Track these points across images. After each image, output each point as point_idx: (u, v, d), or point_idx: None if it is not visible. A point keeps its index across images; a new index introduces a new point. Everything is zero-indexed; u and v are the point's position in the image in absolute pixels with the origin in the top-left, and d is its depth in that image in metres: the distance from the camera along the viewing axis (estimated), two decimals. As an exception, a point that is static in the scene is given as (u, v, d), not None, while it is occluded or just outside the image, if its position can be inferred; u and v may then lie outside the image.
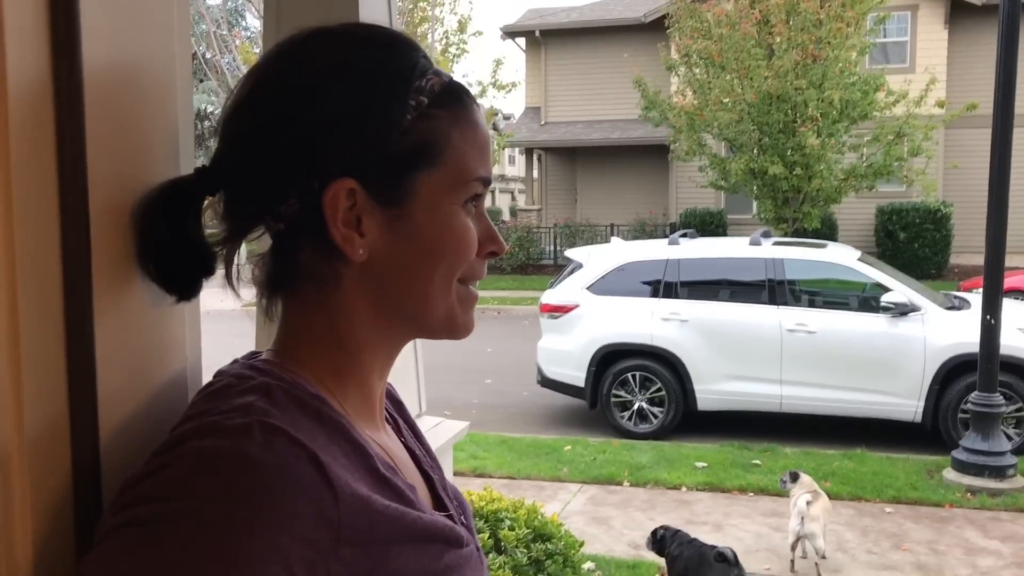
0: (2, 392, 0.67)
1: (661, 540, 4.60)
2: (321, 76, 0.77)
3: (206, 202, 0.79)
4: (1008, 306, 6.85)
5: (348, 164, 0.76)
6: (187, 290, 0.80)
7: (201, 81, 21.82)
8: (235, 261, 0.80)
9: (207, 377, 0.83)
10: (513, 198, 45.83)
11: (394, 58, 0.79)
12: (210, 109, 26.95)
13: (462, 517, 0.90)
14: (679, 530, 4.67)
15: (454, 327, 0.83)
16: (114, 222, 0.76)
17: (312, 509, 0.65)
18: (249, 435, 0.66)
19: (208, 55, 16.62)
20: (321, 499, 0.66)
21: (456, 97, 0.80)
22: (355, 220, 0.77)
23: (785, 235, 15.01)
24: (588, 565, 4.58)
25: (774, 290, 8.13)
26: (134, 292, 0.78)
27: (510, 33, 24.79)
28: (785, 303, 8.07)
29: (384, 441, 0.84)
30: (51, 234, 0.71)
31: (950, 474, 6.55)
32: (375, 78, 0.77)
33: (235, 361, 0.82)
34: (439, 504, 0.89)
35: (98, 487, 0.74)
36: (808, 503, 4.95)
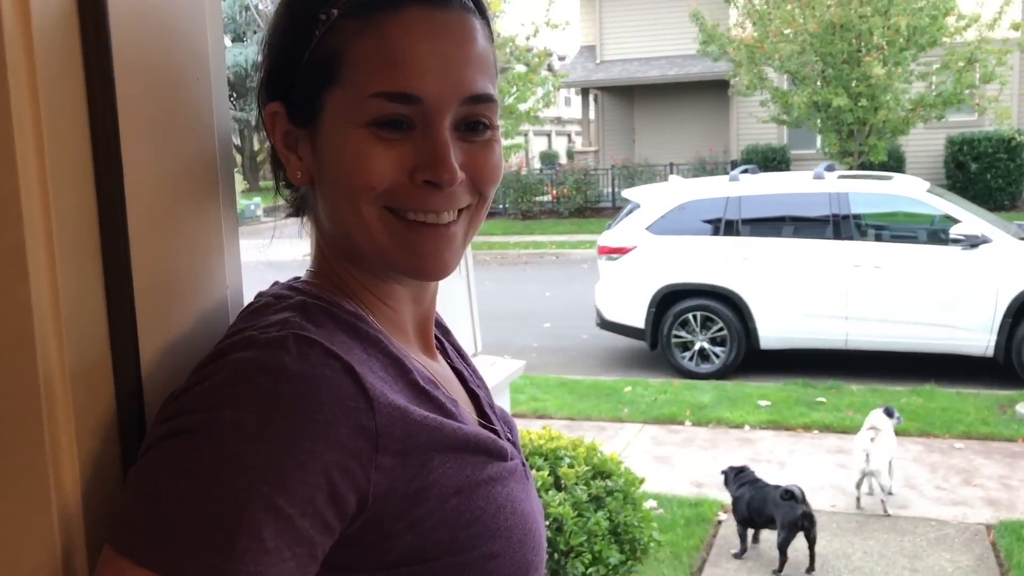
0: (42, 323, 0.66)
1: (726, 479, 4.59)
2: (277, 6, 0.80)
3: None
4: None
5: (273, 87, 0.79)
6: None
7: (255, 33, 21.91)
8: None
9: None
10: (570, 140, 45.43)
11: None
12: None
13: (508, 435, 0.89)
14: (744, 467, 4.65)
15: (391, 262, 0.77)
16: (146, 147, 0.75)
17: (349, 418, 0.66)
18: (285, 346, 0.67)
19: (261, 6, 16.64)
20: (357, 408, 0.66)
21: (375, 4, 0.73)
22: (294, 142, 0.78)
23: (850, 169, 14.62)
24: (650, 503, 4.59)
25: (839, 225, 7.94)
26: (170, 220, 0.77)
27: (563, -29, 24.34)
28: (850, 238, 7.88)
29: (425, 360, 0.83)
30: (83, 161, 0.70)
31: (1023, 408, 6.38)
32: (290, 7, 0.78)
33: (275, 283, 0.83)
34: (485, 421, 0.88)
35: (141, 411, 0.75)
36: (872, 440, 4.87)
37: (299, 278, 0.84)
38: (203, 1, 0.81)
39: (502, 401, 2.88)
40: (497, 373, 2.69)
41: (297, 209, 0.85)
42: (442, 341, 0.94)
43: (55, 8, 0.68)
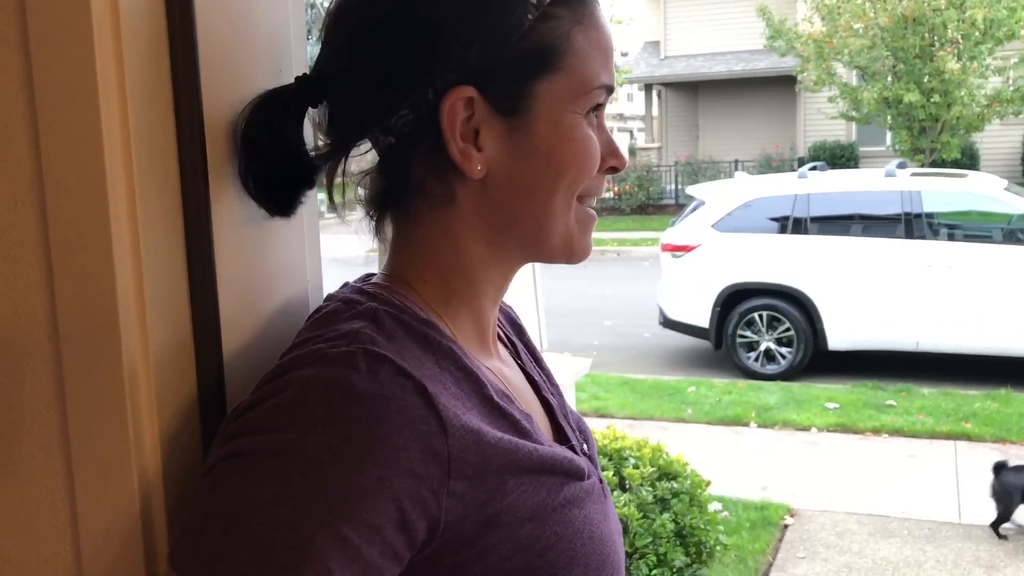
0: (127, 312, 0.67)
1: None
2: None
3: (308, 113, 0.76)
4: None
5: (466, 70, 0.71)
6: (285, 205, 0.76)
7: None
8: (338, 176, 0.77)
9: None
10: (632, 136, 45.15)
11: None
12: None
13: (584, 446, 0.85)
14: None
15: (572, 250, 0.77)
16: (229, 140, 0.74)
17: (420, 442, 0.62)
18: (353, 364, 0.63)
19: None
20: (429, 431, 0.63)
21: None
22: (472, 132, 0.72)
23: (922, 166, 14.26)
24: (714, 505, 4.52)
25: (911, 224, 7.74)
26: (253, 212, 0.77)
27: (627, -33, 24.16)
28: (923, 237, 7.67)
29: (498, 367, 0.80)
30: (168, 154, 0.70)
31: (1106, 416, 6.15)
32: None
33: (345, 284, 0.79)
34: (559, 432, 0.84)
35: (223, 400, 0.75)
36: None
37: (371, 276, 0.81)
38: (287, 2, 0.81)
39: (568, 400, 2.86)
40: (563, 371, 2.67)
41: (380, 207, 0.78)
42: (515, 343, 0.91)
43: (144, 9, 0.67)
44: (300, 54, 0.82)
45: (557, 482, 0.72)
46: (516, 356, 0.89)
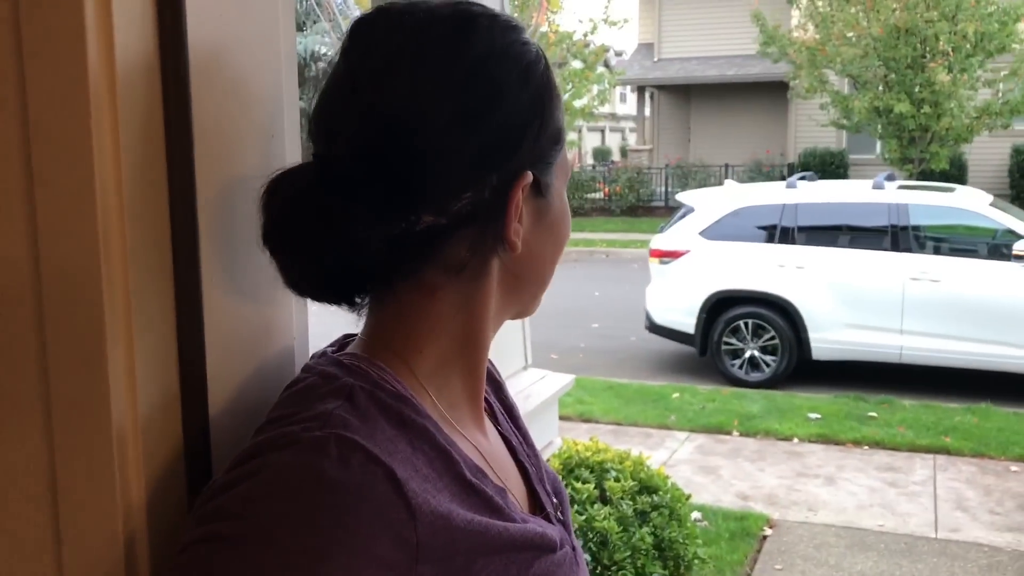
0: (116, 369, 0.68)
1: None
2: (494, 69, 0.72)
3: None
4: None
5: (532, 156, 0.76)
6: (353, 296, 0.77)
7: (315, 23, 22.11)
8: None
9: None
10: (623, 137, 45.18)
11: (529, 43, 0.77)
12: (323, 51, 27.33)
13: (559, 512, 0.86)
14: None
15: (536, 301, 0.86)
16: (221, 199, 0.76)
17: (388, 531, 0.63)
18: (325, 451, 0.64)
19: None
20: (398, 519, 0.64)
21: (551, 72, 0.79)
22: (525, 212, 0.76)
23: (910, 176, 14.35)
24: (695, 515, 4.55)
25: (897, 236, 7.80)
26: (242, 269, 0.79)
27: (623, -33, 24.17)
28: (909, 250, 7.73)
29: (476, 438, 0.80)
30: (160, 214, 0.72)
31: (1083, 433, 6.22)
32: (532, 68, 0.76)
33: (323, 354, 0.80)
34: (534, 500, 0.85)
35: (208, 457, 0.76)
36: None
37: (350, 339, 0.82)
38: (280, 56, 0.82)
39: (551, 415, 2.88)
40: (546, 388, 2.69)
41: (389, 280, 0.74)
42: (492, 403, 0.91)
43: (138, 62, 0.69)
44: (292, 115, 0.84)
45: (528, 557, 0.73)
46: (493, 416, 0.90)
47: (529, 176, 0.74)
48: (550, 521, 0.82)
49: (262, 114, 0.80)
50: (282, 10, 0.82)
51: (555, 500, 0.87)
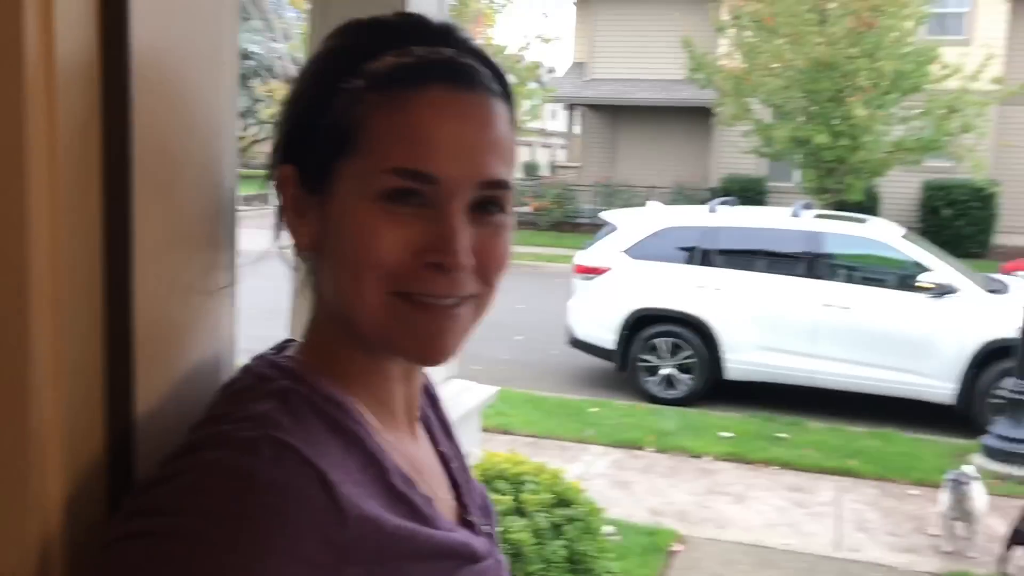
0: (38, 368, 0.67)
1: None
2: (301, 70, 0.80)
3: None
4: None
5: (288, 150, 0.78)
6: None
7: (246, 20, 21.78)
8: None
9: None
10: (553, 153, 45.54)
11: (349, 43, 0.77)
12: (253, 49, 26.93)
13: (485, 524, 0.88)
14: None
15: (392, 347, 0.75)
16: (159, 201, 0.76)
17: (317, 532, 0.64)
18: (257, 450, 0.65)
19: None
20: (327, 522, 0.65)
21: (401, 79, 0.72)
22: (304, 208, 0.77)
23: (826, 206, 14.78)
24: (608, 529, 4.61)
25: (812, 263, 8.05)
26: (175, 271, 0.79)
27: (559, -15, 24.41)
28: (822, 277, 7.99)
29: (406, 447, 0.82)
30: (93, 214, 0.71)
31: (978, 459, 6.49)
32: (317, 65, 0.78)
33: (262, 356, 0.81)
34: (463, 511, 0.87)
35: (131, 458, 0.75)
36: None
37: (289, 343, 0.83)
38: (224, 58, 0.83)
39: (473, 427, 2.89)
40: (470, 399, 2.70)
41: (303, 266, 0.82)
42: (428, 416, 0.92)
43: (78, 62, 0.69)
44: (231, 116, 0.85)
45: (453, 566, 0.75)
46: (428, 429, 0.91)
47: (287, 169, 0.78)
48: (476, 533, 0.84)
49: (204, 116, 0.81)
50: (227, 12, 0.83)
51: (483, 513, 0.89)
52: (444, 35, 0.77)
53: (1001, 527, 5.18)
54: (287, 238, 0.80)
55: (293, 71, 0.80)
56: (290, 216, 0.78)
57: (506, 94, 0.78)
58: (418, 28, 0.76)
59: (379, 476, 0.72)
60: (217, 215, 0.84)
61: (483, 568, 0.79)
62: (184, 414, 0.78)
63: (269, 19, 16.15)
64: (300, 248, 0.79)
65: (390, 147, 0.71)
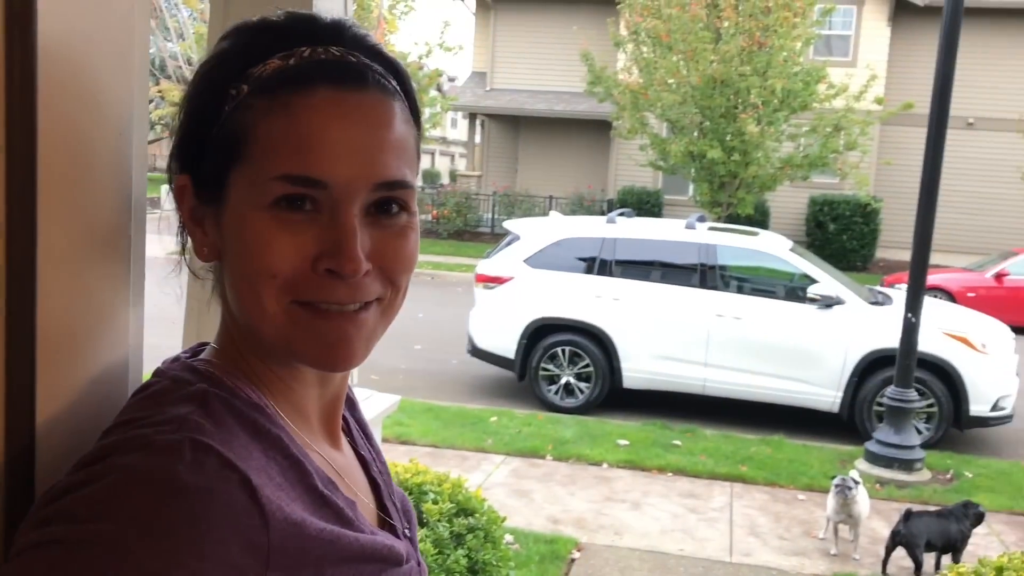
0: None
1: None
2: (191, 78, 0.78)
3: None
4: (927, 305, 7.07)
5: (183, 159, 0.76)
6: None
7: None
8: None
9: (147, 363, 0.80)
10: (453, 162, 45.57)
11: (236, 47, 0.75)
12: (146, 48, 26.11)
13: (406, 528, 0.88)
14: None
15: (292, 351, 0.74)
16: (65, 200, 0.73)
17: (240, 536, 0.63)
18: (178, 454, 0.63)
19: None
20: (250, 525, 0.63)
21: (286, 83, 0.71)
22: (201, 217, 0.76)
23: (719, 219, 15.22)
24: (507, 538, 4.62)
25: (705, 275, 8.27)
26: (81, 274, 0.76)
27: (461, -5, 24.49)
28: (715, 288, 8.21)
29: (327, 451, 0.81)
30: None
31: (862, 465, 6.77)
32: (206, 71, 0.76)
33: (176, 359, 0.79)
34: (384, 514, 0.86)
35: (32, 466, 0.73)
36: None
37: (202, 347, 0.81)
38: (134, 57, 0.80)
39: (375, 435, 2.86)
40: (371, 408, 2.67)
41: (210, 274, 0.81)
42: (347, 419, 0.92)
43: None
44: (141, 116, 0.82)
45: (375, 569, 0.75)
46: (348, 433, 0.90)
47: (182, 179, 0.76)
48: (398, 536, 0.84)
49: (114, 115, 0.78)
50: (138, 8, 0.80)
51: (403, 516, 0.89)
52: (335, 33, 0.75)
53: (883, 529, 5.41)
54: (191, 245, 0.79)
55: (186, 72, 0.77)
56: (189, 226, 0.77)
57: (404, 91, 0.77)
58: (306, 28, 0.74)
59: (301, 479, 0.71)
60: (126, 217, 0.81)
61: (405, 571, 0.79)
62: (91, 421, 0.75)
63: (162, 18, 15.67)
64: (200, 258, 0.77)
65: (278, 153, 0.70)
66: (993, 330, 8.11)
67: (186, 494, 0.62)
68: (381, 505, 0.87)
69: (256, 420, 0.71)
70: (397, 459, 4.10)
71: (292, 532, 0.66)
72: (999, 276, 14.75)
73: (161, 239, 0.85)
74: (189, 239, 0.78)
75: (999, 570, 3.15)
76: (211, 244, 0.75)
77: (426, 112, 18.56)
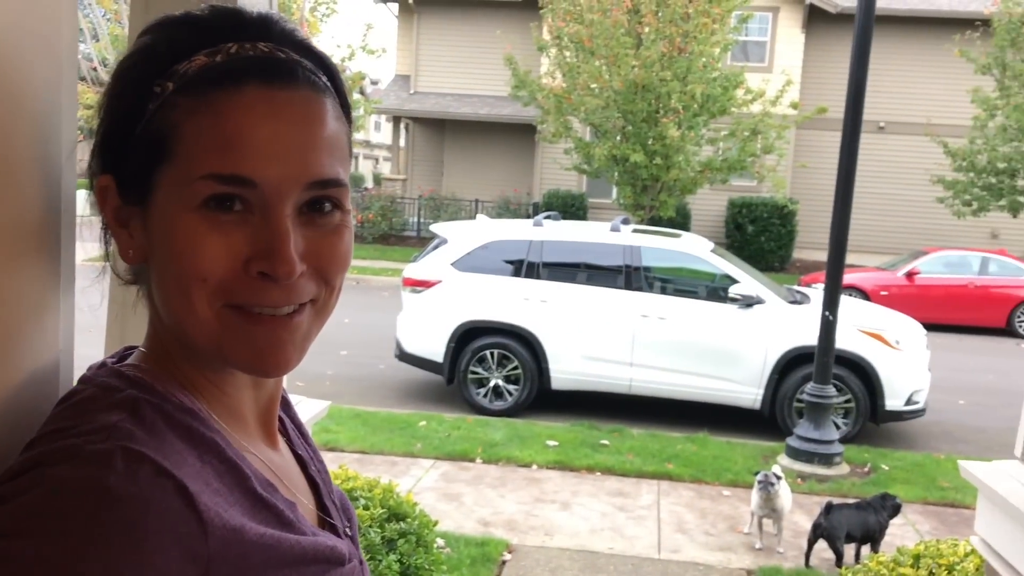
0: None
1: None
2: (112, 74, 0.75)
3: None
4: (843, 303, 7.29)
5: (104, 158, 0.74)
6: None
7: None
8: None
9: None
10: (377, 165, 45.25)
11: (159, 42, 0.73)
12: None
13: (347, 527, 0.87)
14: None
15: (224, 356, 0.72)
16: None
17: (178, 545, 0.61)
18: (110, 463, 0.61)
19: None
20: (188, 533, 0.62)
21: (213, 80, 0.69)
22: (126, 219, 0.74)
23: (642, 222, 15.44)
24: (439, 542, 4.61)
25: (630, 276, 8.37)
26: (5, 277, 0.73)
27: (383, -3, 24.35)
28: (640, 289, 8.32)
29: (264, 452, 0.80)
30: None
31: (784, 460, 6.94)
32: (127, 67, 0.74)
33: (102, 365, 0.76)
34: (324, 512, 0.86)
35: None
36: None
37: (129, 352, 0.79)
38: (61, 51, 0.78)
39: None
40: (301, 414, 2.63)
41: (134, 278, 0.79)
42: (283, 419, 0.90)
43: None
44: (70, 115, 0.80)
45: (319, 571, 0.74)
46: (285, 433, 0.89)
47: (105, 179, 0.74)
48: (339, 535, 0.83)
49: (40, 111, 0.76)
50: (66, 6, 0.78)
51: (343, 515, 0.88)
52: (262, 28, 0.73)
53: (805, 523, 5.55)
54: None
55: (101, 74, 0.72)
56: (113, 228, 0.74)
57: (335, 87, 0.76)
58: (232, 23, 0.73)
59: (239, 483, 0.70)
60: (54, 217, 0.79)
61: (348, 571, 0.79)
62: (16, 430, 0.72)
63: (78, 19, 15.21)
64: (126, 261, 0.75)
65: (205, 152, 0.68)
66: (906, 327, 8.40)
67: (120, 504, 0.60)
68: (321, 504, 0.86)
69: (190, 425, 0.70)
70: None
71: (232, 538, 0.65)
72: (910, 275, 15.30)
73: (83, 245, 0.83)
74: (113, 242, 0.76)
75: (916, 558, 3.26)
76: (137, 246, 0.73)
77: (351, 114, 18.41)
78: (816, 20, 21.76)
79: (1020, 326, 14.84)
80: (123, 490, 0.60)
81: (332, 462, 5.18)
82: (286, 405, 0.94)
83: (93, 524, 0.59)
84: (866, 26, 6.79)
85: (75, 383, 0.75)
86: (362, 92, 25.05)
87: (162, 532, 0.61)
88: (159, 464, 0.63)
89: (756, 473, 5.45)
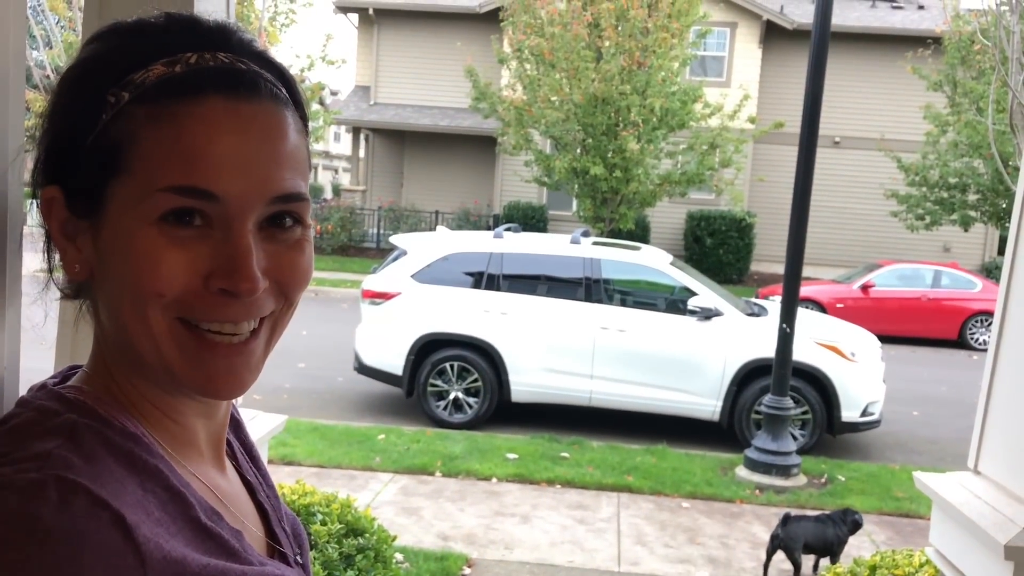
0: None
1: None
2: (59, 80, 0.72)
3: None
4: (800, 316, 7.37)
5: (51, 169, 0.71)
6: None
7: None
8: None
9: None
10: (336, 176, 45.02)
11: (112, 50, 0.70)
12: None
13: (298, 555, 0.85)
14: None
15: (177, 378, 0.70)
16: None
17: None
18: (42, 495, 0.58)
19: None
20: (126, 567, 0.59)
21: (173, 91, 0.67)
22: (73, 232, 0.71)
23: (601, 234, 15.51)
24: (397, 557, 4.57)
25: (590, 288, 8.40)
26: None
27: (343, 8, 24.26)
28: (600, 301, 8.35)
29: (211, 479, 0.77)
30: None
31: (742, 471, 6.98)
32: (77, 75, 0.71)
33: (42, 387, 0.73)
34: (273, 538, 0.83)
35: None
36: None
37: (73, 371, 0.76)
38: (8, 54, 0.75)
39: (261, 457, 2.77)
40: (256, 429, 2.59)
41: (76, 292, 0.75)
42: (231, 442, 0.87)
43: None
44: (17, 128, 0.77)
45: None
46: (233, 457, 0.86)
47: (51, 191, 0.71)
48: (288, 563, 0.80)
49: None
50: (12, 7, 0.76)
51: (294, 541, 0.86)
52: (221, 38, 0.71)
53: (763, 534, 5.59)
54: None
55: (55, 82, 0.68)
56: (59, 242, 0.71)
57: (294, 100, 0.75)
58: (189, 31, 0.71)
59: (183, 512, 0.67)
60: (-3, 231, 0.76)
61: None
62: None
63: (28, 25, 14.97)
64: (71, 275, 0.72)
65: (164, 165, 0.66)
66: (861, 339, 8.51)
67: (52, 539, 0.57)
68: (270, 532, 0.83)
69: (132, 451, 0.67)
70: (283, 480, 4.00)
71: (172, 570, 0.62)
72: (865, 287, 15.53)
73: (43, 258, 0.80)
74: (57, 255, 0.73)
75: (872, 568, 3.29)
76: (84, 260, 0.70)
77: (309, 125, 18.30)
78: (773, 36, 22.09)
79: (972, 338, 15.13)
80: (55, 523, 0.58)
81: (290, 476, 5.13)
82: (236, 426, 0.91)
83: (23, 561, 0.56)
84: (822, 42, 6.89)
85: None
86: (322, 102, 24.94)
87: (96, 567, 0.58)
88: (95, 494, 0.60)
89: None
